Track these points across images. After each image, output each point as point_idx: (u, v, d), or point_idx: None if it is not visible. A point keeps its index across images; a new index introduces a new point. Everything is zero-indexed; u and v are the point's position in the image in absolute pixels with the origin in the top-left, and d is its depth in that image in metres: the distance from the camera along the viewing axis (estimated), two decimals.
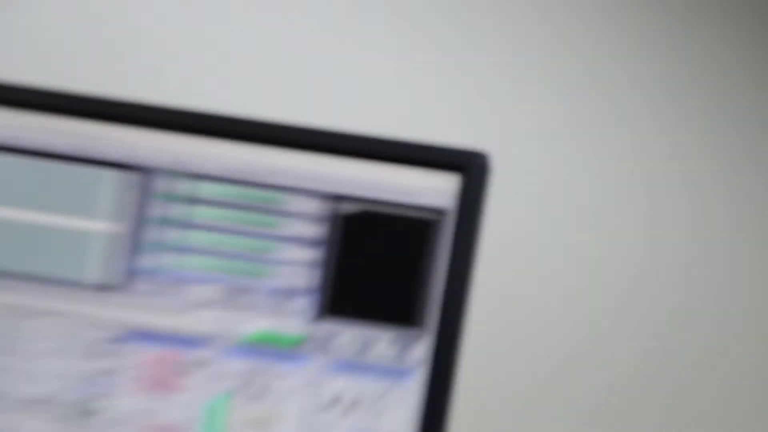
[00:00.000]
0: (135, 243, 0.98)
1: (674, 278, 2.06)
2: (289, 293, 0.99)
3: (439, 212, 0.99)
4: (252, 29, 1.79)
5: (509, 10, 2.06)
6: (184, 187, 0.99)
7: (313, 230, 0.99)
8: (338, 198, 0.99)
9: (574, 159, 2.00)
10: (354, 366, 0.99)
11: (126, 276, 0.98)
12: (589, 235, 1.99)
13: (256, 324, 0.99)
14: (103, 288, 0.98)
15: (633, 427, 1.86)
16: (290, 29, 1.85)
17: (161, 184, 0.99)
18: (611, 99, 2.18)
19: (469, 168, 0.98)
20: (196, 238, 0.99)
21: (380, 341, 0.98)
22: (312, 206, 0.99)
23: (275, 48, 1.83)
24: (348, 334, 0.99)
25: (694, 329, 1.98)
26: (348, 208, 0.99)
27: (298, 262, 0.99)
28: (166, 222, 0.99)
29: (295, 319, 0.99)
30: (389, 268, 0.99)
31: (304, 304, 0.99)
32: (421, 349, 0.99)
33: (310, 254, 0.99)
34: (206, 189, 0.99)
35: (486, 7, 2.00)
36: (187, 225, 0.99)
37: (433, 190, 0.99)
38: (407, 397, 0.99)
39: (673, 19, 2.21)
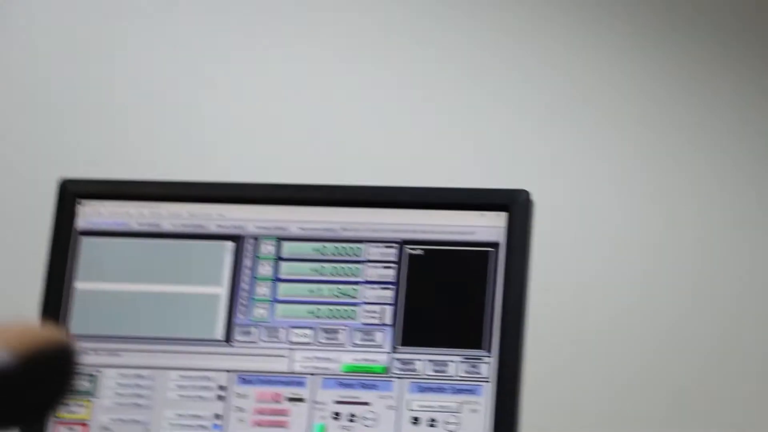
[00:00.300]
0: (243, 300, 1.16)
1: (720, 301, 2.15)
2: (371, 330, 1.14)
3: (492, 246, 1.14)
4: (305, 105, 2.01)
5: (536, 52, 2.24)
6: (277, 248, 1.17)
7: (387, 273, 1.15)
8: (405, 243, 1.15)
9: (605, 189, 2.14)
10: (430, 387, 1.12)
11: (237, 330, 1.15)
12: (632, 261, 2.11)
13: (345, 359, 1.14)
14: (219, 342, 1.15)
15: None
16: (339, 98, 2.06)
17: (259, 249, 1.17)
18: (649, 136, 2.30)
19: (514, 205, 1.14)
20: (290, 291, 1.16)
21: (455, 361, 1.12)
22: (384, 253, 1.15)
23: (328, 119, 2.04)
24: (424, 359, 1.13)
25: (746, 347, 2.04)
26: (414, 250, 1.15)
27: (376, 302, 1.15)
28: (265, 280, 1.16)
29: (377, 351, 1.13)
30: (454, 299, 1.14)
31: (388, 336, 1.14)
32: (487, 367, 1.12)
33: (386, 294, 1.15)
34: (295, 248, 1.17)
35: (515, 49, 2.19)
36: (282, 280, 1.16)
37: (485, 227, 1.14)
38: (479, 411, 1.11)
39: (722, 61, 2.34)
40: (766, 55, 2.42)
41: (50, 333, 0.70)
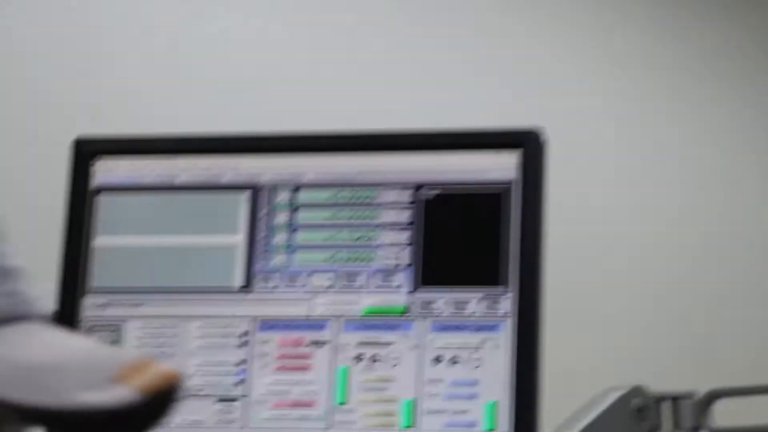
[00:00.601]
0: (262, 249, 1.18)
1: (734, 227, 2.22)
2: (390, 272, 1.16)
3: (507, 184, 1.15)
4: (312, 53, 2.05)
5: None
6: (293, 196, 1.18)
7: (403, 215, 1.17)
8: (420, 185, 1.17)
9: (617, 124, 2.19)
10: (450, 326, 1.14)
11: (257, 277, 1.17)
12: (645, 192, 2.17)
13: (365, 302, 1.16)
14: (239, 290, 1.17)
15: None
16: (347, 45, 2.10)
17: (275, 197, 1.19)
18: (660, 73, 2.34)
19: (527, 143, 1.15)
20: (308, 237, 1.18)
21: (474, 298, 1.14)
22: (400, 196, 1.17)
23: (338, 66, 2.08)
24: (444, 298, 1.15)
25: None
26: (430, 192, 1.16)
27: (394, 245, 1.16)
28: (282, 228, 1.18)
29: (397, 290, 1.15)
30: (470, 238, 1.16)
31: (403, 279, 1.16)
32: (506, 303, 1.13)
33: (404, 236, 1.16)
34: (311, 196, 1.18)
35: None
36: (300, 227, 1.18)
37: (499, 166, 1.16)
38: (501, 348, 1.13)
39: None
40: None
41: (166, 372, 0.77)
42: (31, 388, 0.71)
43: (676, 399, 1.36)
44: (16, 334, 0.75)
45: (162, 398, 0.76)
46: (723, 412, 1.38)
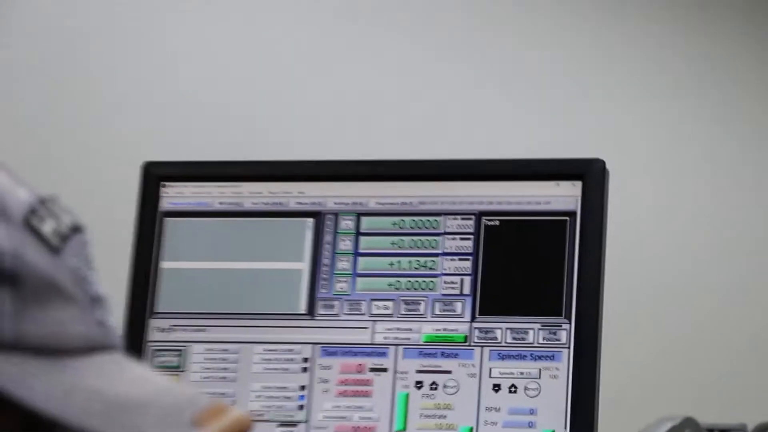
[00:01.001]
0: (325, 275, 1.20)
1: None
2: (450, 300, 1.17)
3: (568, 215, 1.16)
4: (377, 84, 2.09)
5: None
6: (356, 223, 1.20)
7: (465, 244, 1.18)
8: (482, 214, 1.18)
9: (674, 159, 2.22)
10: (510, 355, 1.15)
11: (319, 303, 1.19)
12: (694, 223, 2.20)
13: (426, 329, 1.17)
14: (301, 316, 1.19)
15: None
16: (409, 76, 2.13)
17: (339, 224, 1.21)
18: (718, 104, 2.37)
19: (589, 174, 1.16)
20: (370, 264, 1.19)
21: (534, 328, 1.15)
22: (461, 224, 1.18)
23: (401, 95, 2.11)
24: (503, 327, 1.15)
25: None
26: (491, 221, 1.18)
27: (455, 273, 1.17)
28: (345, 255, 1.20)
29: (458, 319, 1.16)
30: (530, 268, 1.17)
31: (467, 305, 1.17)
32: (565, 333, 1.14)
33: (465, 265, 1.18)
34: (374, 223, 1.20)
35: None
36: (362, 254, 1.20)
37: (561, 197, 1.17)
38: (559, 377, 1.14)
39: None
40: None
41: (240, 418, 0.74)
42: (115, 424, 0.70)
43: (725, 431, 1.37)
44: (107, 364, 0.74)
45: None
46: None
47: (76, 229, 0.75)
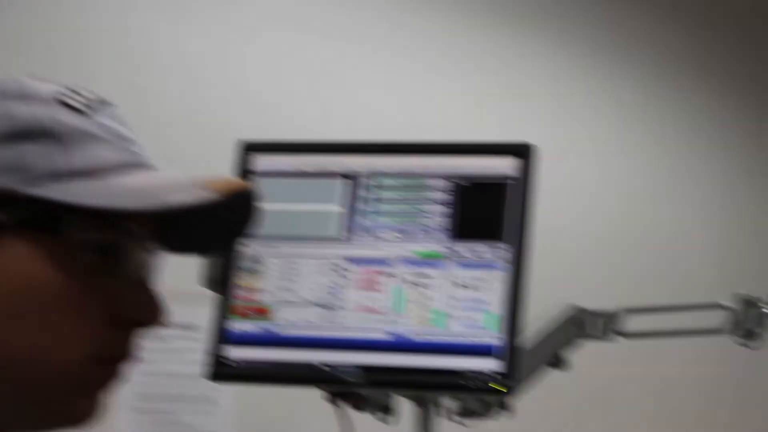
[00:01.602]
0: (355, 214, 1.80)
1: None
2: (434, 230, 1.77)
3: (510, 178, 1.75)
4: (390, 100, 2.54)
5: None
6: (375, 182, 1.80)
7: (444, 196, 1.77)
8: (457, 177, 1.76)
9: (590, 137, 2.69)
10: (470, 264, 1.75)
11: (351, 231, 1.80)
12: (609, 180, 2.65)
13: (417, 248, 1.77)
14: (340, 240, 1.80)
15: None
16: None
17: (365, 182, 1.81)
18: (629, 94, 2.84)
19: (523, 152, 1.76)
20: (383, 208, 1.79)
21: (485, 249, 1.74)
22: (442, 184, 1.78)
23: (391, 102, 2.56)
24: (468, 247, 1.75)
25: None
26: (462, 182, 1.77)
27: (437, 214, 1.77)
28: (368, 201, 1.80)
29: (437, 243, 1.76)
30: (485, 212, 1.75)
31: (444, 234, 1.76)
32: (506, 253, 1.74)
33: (443, 209, 1.77)
34: (386, 182, 1.79)
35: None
36: (378, 201, 1.80)
37: (505, 167, 1.76)
38: (500, 280, 1.73)
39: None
40: None
41: (240, 181, 0.93)
42: (138, 199, 0.85)
43: (597, 313, 1.95)
44: (140, 173, 0.89)
45: (236, 198, 0.89)
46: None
47: (103, 102, 0.92)
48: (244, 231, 0.96)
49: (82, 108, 0.89)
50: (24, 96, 0.87)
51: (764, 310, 1.80)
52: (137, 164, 0.90)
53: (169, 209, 0.85)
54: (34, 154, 0.84)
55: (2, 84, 0.88)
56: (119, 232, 0.87)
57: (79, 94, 0.90)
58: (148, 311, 0.90)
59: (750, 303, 1.81)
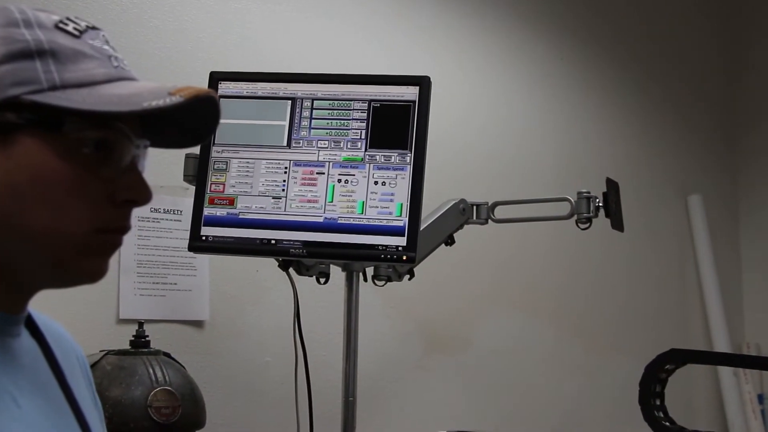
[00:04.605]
0: (297, 127, 2.17)
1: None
2: (356, 140, 2.08)
3: (413, 102, 2.06)
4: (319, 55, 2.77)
5: None
6: (312, 104, 2.10)
7: (363, 114, 2.06)
8: (372, 101, 2.06)
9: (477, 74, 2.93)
10: (383, 167, 2.07)
11: (293, 141, 2.16)
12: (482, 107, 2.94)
13: (344, 154, 2.10)
14: (285, 147, 2.14)
15: None
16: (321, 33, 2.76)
17: (304, 103, 2.14)
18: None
19: (422, 82, 2.08)
20: (318, 123, 2.14)
21: (394, 155, 2.06)
22: (362, 105, 2.06)
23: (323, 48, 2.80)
24: (380, 153, 2.06)
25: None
26: (376, 104, 2.07)
27: (358, 128, 2.10)
28: (306, 118, 2.13)
29: (357, 150, 2.08)
30: (394, 127, 2.04)
31: (363, 144, 2.08)
32: (409, 158, 2.08)
33: (363, 124, 2.07)
34: (320, 103, 2.08)
35: None
36: (314, 119, 2.11)
37: (409, 93, 2.06)
38: (406, 178, 2.02)
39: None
40: None
41: (202, 88, 0.93)
42: (121, 104, 0.89)
43: (479, 205, 2.25)
44: (123, 84, 0.93)
45: (199, 101, 0.91)
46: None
47: (92, 27, 0.96)
48: (209, 128, 1.00)
49: (76, 33, 0.94)
50: (29, 23, 0.91)
51: (593, 204, 2.16)
52: (121, 77, 0.94)
53: (146, 111, 0.89)
54: (38, 69, 0.89)
55: (11, 13, 0.92)
56: (110, 130, 0.92)
57: (73, 21, 0.95)
58: (137, 192, 0.96)
59: (586, 197, 2.22)
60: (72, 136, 0.90)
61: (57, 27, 0.92)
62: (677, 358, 1.67)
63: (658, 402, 1.66)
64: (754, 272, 3.74)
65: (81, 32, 0.93)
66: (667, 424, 1.65)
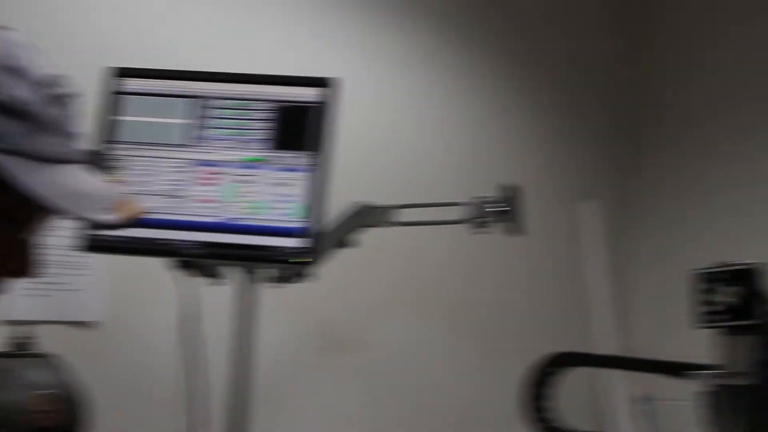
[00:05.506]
0: (197, 126, 2.11)
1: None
2: (259, 141, 2.01)
3: (318, 104, 2.03)
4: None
5: None
6: (210, 102, 2.06)
7: (268, 114, 2.02)
8: (278, 101, 2.04)
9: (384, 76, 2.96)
10: (287, 168, 2.03)
11: (194, 139, 2.12)
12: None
13: (246, 154, 2.05)
14: (184, 145, 2.09)
15: None
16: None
17: (204, 102, 2.08)
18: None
19: (330, 84, 2.06)
20: (219, 122, 2.06)
21: (297, 157, 2.03)
22: (267, 105, 2.03)
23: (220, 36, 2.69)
24: (283, 155, 2.01)
25: None
26: (285, 105, 2.02)
27: (261, 129, 2.04)
28: (206, 117, 2.07)
29: (260, 151, 2.04)
30: (297, 128, 2.00)
31: (265, 144, 2.03)
32: (314, 159, 2.02)
33: (268, 125, 2.01)
34: (220, 102, 2.03)
35: None
36: (214, 118, 2.07)
37: (316, 94, 2.02)
38: (309, 180, 1.99)
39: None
40: None
41: (138, 208, 0.95)
42: (73, 205, 0.89)
43: (381, 208, 2.24)
44: (76, 171, 0.92)
45: (132, 219, 0.96)
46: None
47: (72, 95, 0.94)
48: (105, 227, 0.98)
49: (56, 99, 0.92)
50: (19, 73, 0.90)
51: (491, 208, 2.19)
52: (77, 160, 0.94)
53: (78, 218, 0.91)
54: (10, 127, 0.88)
55: (7, 58, 0.89)
56: (24, 205, 0.90)
57: (56, 83, 0.93)
58: (22, 265, 0.96)
59: (482, 201, 2.23)
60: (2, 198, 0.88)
61: (40, 84, 0.89)
62: (563, 360, 1.68)
63: (544, 403, 1.66)
64: (647, 276, 3.79)
65: (58, 98, 0.91)
66: (553, 425, 1.65)
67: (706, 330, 1.58)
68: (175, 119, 2.06)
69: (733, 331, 1.52)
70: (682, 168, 3.62)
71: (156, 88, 2.08)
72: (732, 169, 3.38)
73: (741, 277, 1.51)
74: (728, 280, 1.52)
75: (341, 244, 2.21)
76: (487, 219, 2.12)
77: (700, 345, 1.62)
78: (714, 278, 1.53)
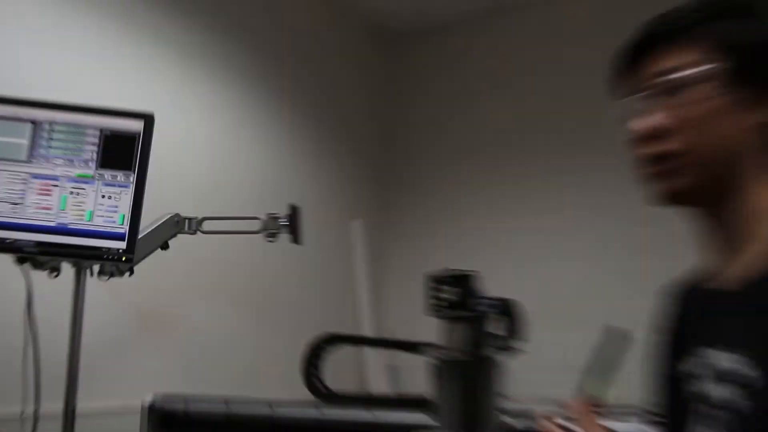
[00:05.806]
0: (38, 146, 2.05)
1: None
2: (88, 160, 2.11)
3: (138, 133, 2.11)
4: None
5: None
6: (52, 127, 2.07)
7: (96, 140, 2.12)
8: (103, 130, 2.09)
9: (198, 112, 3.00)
10: (112, 184, 2.08)
11: (35, 156, 2.05)
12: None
13: (77, 171, 2.08)
14: (25, 162, 2.03)
15: None
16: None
17: (45, 126, 2.07)
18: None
19: (147, 117, 2.12)
20: (57, 144, 2.08)
21: (120, 174, 2.08)
22: (95, 132, 2.11)
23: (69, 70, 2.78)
24: (108, 172, 2.09)
25: None
26: (107, 133, 2.09)
27: (90, 151, 2.11)
28: (47, 138, 2.05)
29: (90, 169, 2.09)
30: (122, 151, 2.12)
31: (94, 164, 2.09)
32: (133, 177, 2.08)
33: (95, 148, 2.10)
34: (60, 128, 2.10)
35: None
36: (54, 140, 2.07)
37: (135, 125, 2.12)
38: (129, 194, 2.09)
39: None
40: None
41: None
42: None
43: (191, 219, 2.30)
44: None
45: None
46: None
47: None
48: None
49: None
50: None
51: (281, 222, 2.24)
52: None
53: None
54: None
55: None
56: None
57: None
58: None
59: (273, 216, 2.25)
60: None
61: None
62: (331, 339, 1.74)
63: (317, 372, 1.71)
64: (397, 277, 3.97)
65: None
66: (322, 389, 1.71)
67: (436, 318, 1.66)
68: (15, 139, 2.09)
69: (453, 320, 1.62)
70: (424, 200, 4.16)
71: (4, 112, 2.10)
72: (457, 203, 3.97)
73: (460, 280, 1.61)
74: (451, 282, 1.62)
75: (158, 246, 2.32)
76: (275, 231, 2.13)
77: (431, 329, 1.70)
78: (441, 281, 1.64)
